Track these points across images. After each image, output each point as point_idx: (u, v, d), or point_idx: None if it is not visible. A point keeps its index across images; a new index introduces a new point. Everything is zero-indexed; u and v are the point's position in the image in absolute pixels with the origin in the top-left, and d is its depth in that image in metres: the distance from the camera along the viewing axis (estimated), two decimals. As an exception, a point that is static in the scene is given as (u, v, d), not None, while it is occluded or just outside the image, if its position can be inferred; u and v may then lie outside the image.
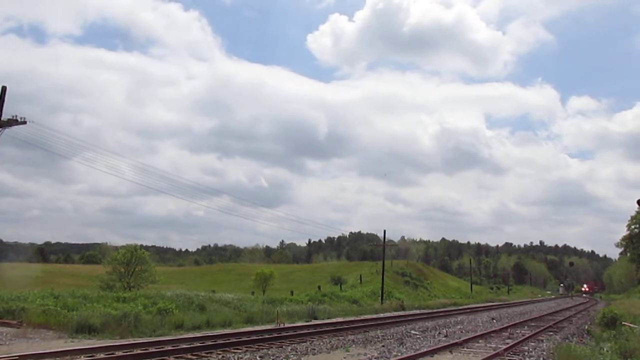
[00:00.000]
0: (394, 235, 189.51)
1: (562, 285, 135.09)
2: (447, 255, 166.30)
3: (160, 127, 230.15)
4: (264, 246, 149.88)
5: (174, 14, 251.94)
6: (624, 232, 70.99)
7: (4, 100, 18.25)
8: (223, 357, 12.46)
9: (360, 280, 56.81)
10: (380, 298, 42.62)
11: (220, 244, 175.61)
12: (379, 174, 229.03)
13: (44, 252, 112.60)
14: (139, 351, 12.41)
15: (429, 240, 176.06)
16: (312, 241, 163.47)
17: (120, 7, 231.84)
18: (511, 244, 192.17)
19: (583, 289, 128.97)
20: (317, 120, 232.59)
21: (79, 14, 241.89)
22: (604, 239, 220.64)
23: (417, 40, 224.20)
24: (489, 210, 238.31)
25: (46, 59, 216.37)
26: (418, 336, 18.51)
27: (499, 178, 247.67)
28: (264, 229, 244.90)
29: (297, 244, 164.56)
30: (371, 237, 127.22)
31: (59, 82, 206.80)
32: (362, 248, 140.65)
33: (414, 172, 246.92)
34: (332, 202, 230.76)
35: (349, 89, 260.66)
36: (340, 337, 17.18)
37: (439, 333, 19.85)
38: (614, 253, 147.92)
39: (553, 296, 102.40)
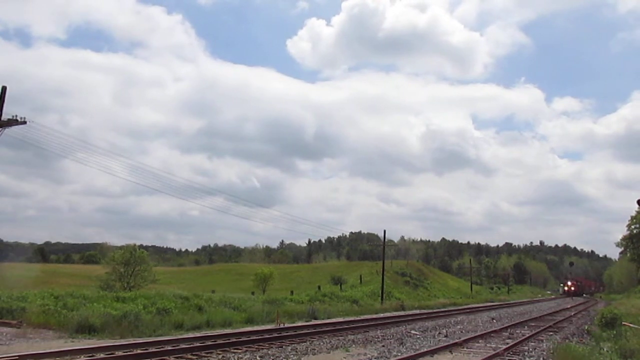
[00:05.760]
0: (392, 235, 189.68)
1: (562, 285, 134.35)
2: (447, 255, 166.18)
3: (149, 128, 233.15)
4: (264, 246, 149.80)
5: (157, 17, 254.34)
6: (617, 232, 71.26)
7: (4, 100, 18.27)
8: (223, 357, 12.45)
9: (360, 280, 56.81)
10: (380, 298, 42.62)
11: (216, 244, 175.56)
12: (369, 174, 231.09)
13: (44, 252, 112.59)
14: (139, 351, 12.40)
15: (428, 240, 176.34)
16: (312, 241, 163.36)
17: (103, 10, 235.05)
18: (511, 244, 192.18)
19: (566, 288, 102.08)
20: (305, 120, 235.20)
21: (63, 18, 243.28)
22: (598, 239, 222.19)
23: (395, 44, 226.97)
24: (481, 210, 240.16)
25: (32, 61, 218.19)
26: (418, 336, 18.51)
27: (489, 178, 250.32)
28: (260, 229, 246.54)
29: (297, 244, 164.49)
30: (371, 237, 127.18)
31: (46, 83, 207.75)
32: (362, 248, 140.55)
33: (404, 173, 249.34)
34: (325, 203, 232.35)
35: (334, 90, 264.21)
36: (340, 337, 17.17)
37: (439, 333, 19.85)
38: (614, 253, 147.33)
39: (553, 296, 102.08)
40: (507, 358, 13.93)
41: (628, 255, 71.96)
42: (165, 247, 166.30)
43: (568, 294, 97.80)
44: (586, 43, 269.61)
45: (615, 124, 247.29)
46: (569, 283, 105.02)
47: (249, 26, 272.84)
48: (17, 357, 10.56)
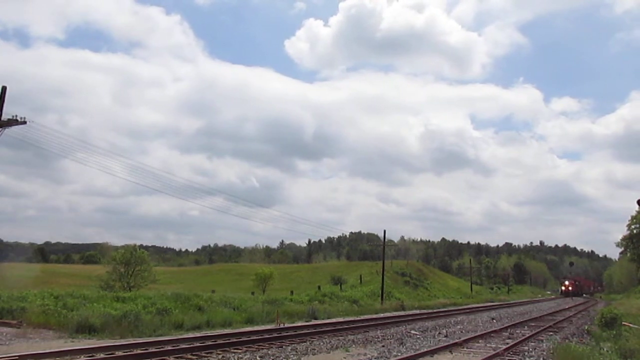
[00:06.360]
0: (392, 235, 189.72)
1: (561, 285, 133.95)
2: (447, 255, 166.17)
3: (149, 128, 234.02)
4: (264, 246, 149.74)
5: (156, 17, 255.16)
6: (617, 232, 71.28)
7: (4, 101, 18.27)
8: (223, 357, 12.46)
9: (360, 280, 56.79)
10: (380, 298, 42.62)
11: (216, 244, 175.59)
12: (369, 174, 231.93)
13: (44, 252, 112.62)
14: (139, 351, 12.41)
15: (428, 240, 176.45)
16: (312, 241, 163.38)
17: (102, 11, 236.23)
18: (511, 244, 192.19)
19: (564, 288, 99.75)
20: (304, 121, 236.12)
21: (62, 18, 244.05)
22: (598, 239, 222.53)
23: (393, 44, 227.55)
24: (481, 210, 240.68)
25: (32, 61, 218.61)
26: (418, 336, 18.51)
27: (488, 178, 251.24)
28: (260, 229, 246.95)
29: (297, 244, 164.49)
30: (371, 237, 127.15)
31: (45, 83, 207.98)
32: (362, 248, 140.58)
33: (404, 173, 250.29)
34: (325, 203, 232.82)
35: (333, 90, 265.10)
36: (340, 337, 17.17)
37: (439, 333, 19.85)
38: (614, 253, 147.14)
39: (553, 296, 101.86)
40: (507, 358, 13.92)
41: (628, 255, 71.97)
42: (165, 247, 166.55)
43: (566, 294, 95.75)
44: (584, 43, 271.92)
45: (614, 124, 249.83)
46: (567, 283, 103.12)
47: (247, 26, 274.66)
48: (17, 357, 10.56)
